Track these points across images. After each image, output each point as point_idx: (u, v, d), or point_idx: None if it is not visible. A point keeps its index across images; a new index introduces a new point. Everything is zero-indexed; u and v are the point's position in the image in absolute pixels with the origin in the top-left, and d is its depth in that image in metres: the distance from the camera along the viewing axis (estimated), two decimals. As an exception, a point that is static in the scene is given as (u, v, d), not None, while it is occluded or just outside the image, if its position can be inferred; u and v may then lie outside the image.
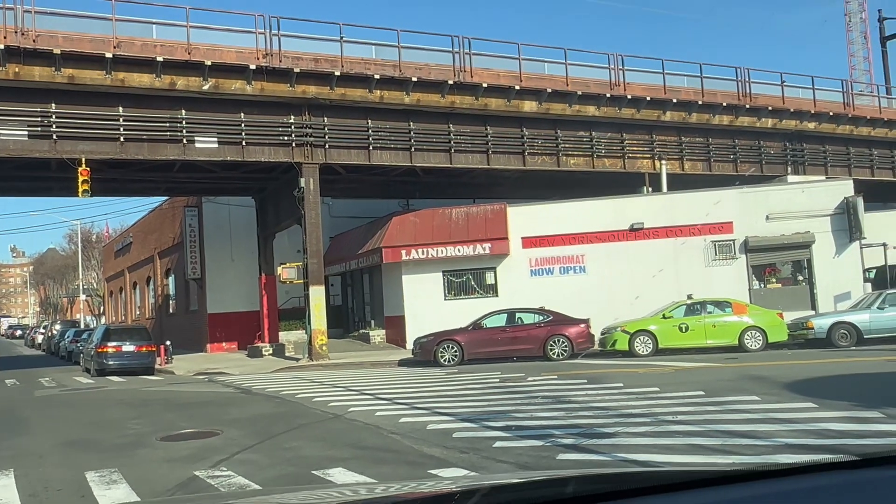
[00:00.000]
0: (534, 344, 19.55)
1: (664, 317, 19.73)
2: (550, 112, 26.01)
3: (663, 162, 28.19)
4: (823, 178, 30.51)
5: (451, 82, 23.92)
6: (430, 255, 26.01)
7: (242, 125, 22.37)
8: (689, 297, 20.61)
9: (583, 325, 19.88)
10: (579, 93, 25.96)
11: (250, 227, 30.42)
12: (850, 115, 31.73)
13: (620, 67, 26.84)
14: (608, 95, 26.48)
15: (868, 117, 32.27)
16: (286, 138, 22.94)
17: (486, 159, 25.77)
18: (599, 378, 14.33)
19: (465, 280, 26.58)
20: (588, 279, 25.71)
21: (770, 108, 29.64)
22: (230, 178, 27.31)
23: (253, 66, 21.48)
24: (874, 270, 26.87)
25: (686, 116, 28.31)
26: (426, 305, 25.87)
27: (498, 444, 8.24)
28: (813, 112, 30.65)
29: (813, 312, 23.31)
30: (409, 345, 23.70)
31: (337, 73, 22.44)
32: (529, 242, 26.24)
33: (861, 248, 25.18)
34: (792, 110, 30.18)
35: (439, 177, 27.96)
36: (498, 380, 15.15)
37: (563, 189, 28.52)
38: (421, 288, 26.29)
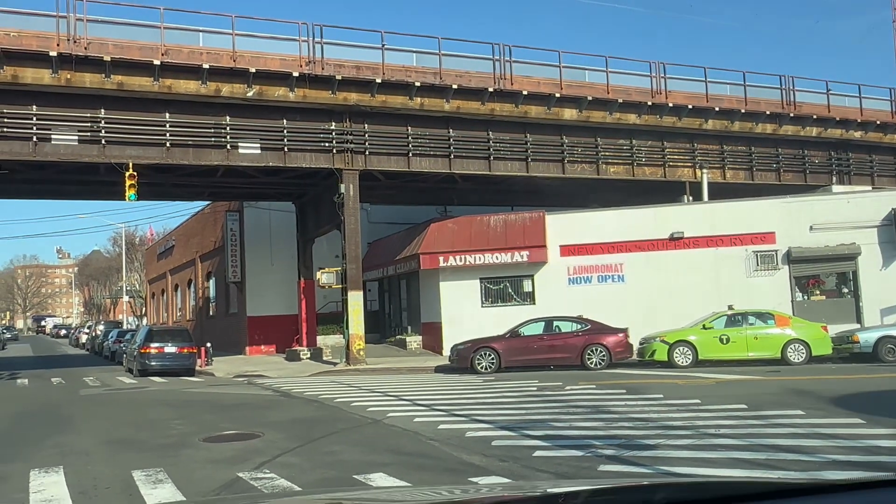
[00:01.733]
0: (571, 353, 19.44)
1: (704, 327, 19.47)
2: (591, 120, 25.89)
3: (704, 171, 27.85)
4: (870, 188, 29.87)
5: (491, 90, 23.97)
6: (467, 262, 26.04)
7: (285, 131, 22.69)
8: (730, 307, 20.32)
9: (621, 335, 19.71)
10: (620, 101, 25.80)
11: (290, 232, 30.80)
12: (898, 125, 31.01)
13: (662, 75, 26.62)
14: (649, 103, 26.27)
15: (919, 126, 31.49)
16: (327, 144, 23.20)
17: (525, 167, 25.74)
18: (638, 389, 14.20)
19: (503, 287, 26.55)
20: (626, 288, 25.49)
21: (815, 116, 29.11)
22: (271, 184, 27.69)
23: (296, 74, 21.77)
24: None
25: (728, 125, 27.94)
26: (463, 312, 25.90)
27: (538, 453, 8.22)
28: (860, 121, 30.02)
29: (858, 326, 22.81)
30: (446, 351, 23.74)
31: (378, 81, 22.64)
32: (568, 250, 26.12)
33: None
34: (837, 119, 29.60)
35: (478, 184, 27.99)
36: (535, 388, 15.10)
37: (602, 197, 28.34)
38: (458, 295, 26.33)
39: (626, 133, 27.05)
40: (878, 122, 30.49)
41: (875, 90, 31.42)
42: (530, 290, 26.35)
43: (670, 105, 26.56)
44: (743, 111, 27.76)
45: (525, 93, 24.39)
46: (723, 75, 28.40)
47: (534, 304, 25.78)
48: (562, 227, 26.12)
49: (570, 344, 19.54)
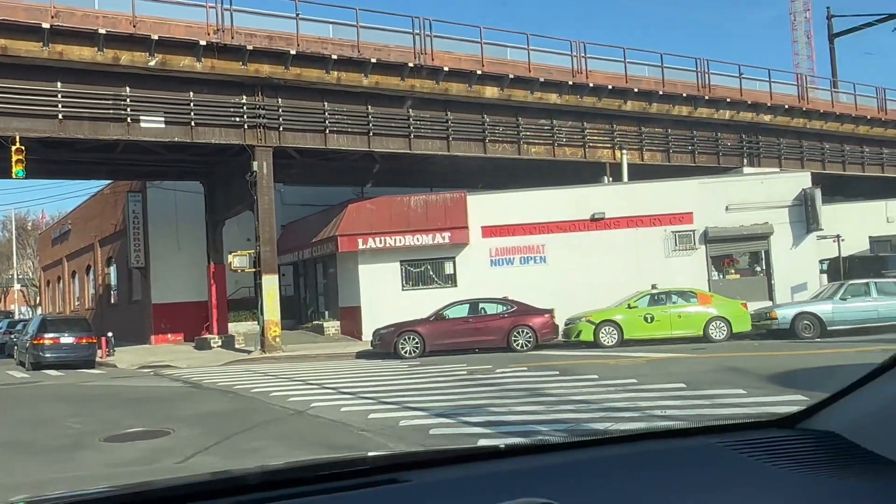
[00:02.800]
0: (497, 335, 18.99)
1: (630, 307, 19.38)
2: (512, 99, 25.44)
3: (624, 151, 27.95)
4: (777, 170, 30.70)
5: (411, 65, 23.13)
6: (387, 244, 25.22)
7: (191, 104, 21.19)
8: (654, 286, 20.32)
9: (547, 316, 19.40)
10: (541, 79, 25.45)
11: (198, 214, 29.09)
12: (804, 109, 32.00)
13: (583, 55, 26.44)
14: (570, 83, 26.04)
15: (821, 111, 32.61)
16: (238, 119, 21.83)
17: (446, 145, 25.07)
18: (571, 370, 13.81)
19: (424, 270, 25.88)
20: (548, 269, 25.27)
21: (728, 99, 29.64)
22: (177, 161, 26.01)
23: (203, 43, 20.32)
24: (827, 262, 27.09)
25: (647, 106, 28.08)
26: (383, 296, 25.08)
27: (483, 441, 7.57)
28: (769, 104, 30.81)
29: (770, 303, 23.33)
30: (366, 336, 22.98)
31: (292, 52, 21.43)
32: (490, 232, 25.67)
33: (817, 239, 25.34)
34: (749, 103, 30.26)
35: (398, 163, 27.14)
36: (465, 372, 14.51)
37: (523, 178, 28.00)
38: (378, 278, 25.48)
39: (547, 113, 26.76)
40: (787, 107, 31.38)
41: (783, 75, 32.36)
42: (452, 272, 25.79)
43: (591, 85, 26.42)
44: (661, 93, 27.94)
45: (446, 69, 23.68)
46: (642, 56, 28.56)
47: (455, 286, 25.25)
48: (484, 207, 25.63)
49: (495, 326, 19.08)
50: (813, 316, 18.97)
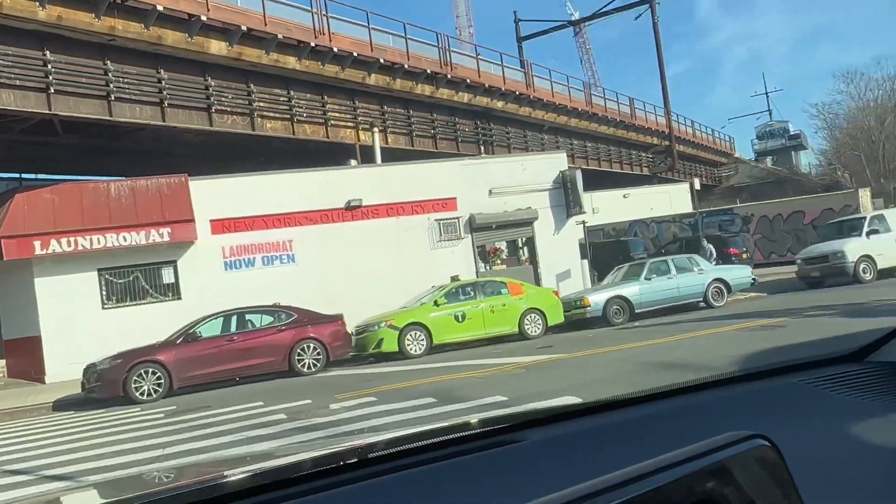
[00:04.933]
0: (276, 355, 13.99)
1: (436, 304, 15.71)
2: (243, 58, 20.29)
3: (376, 131, 24.39)
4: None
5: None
6: (80, 248, 18.32)
7: None
8: (455, 278, 16.99)
9: (338, 324, 14.95)
10: (280, 37, 20.68)
11: None
12: (531, 97, 31.55)
13: (325, 13, 22.23)
14: (312, 45, 21.66)
15: (545, 100, 32.51)
16: None
17: (160, 113, 19.05)
18: (445, 394, 9.66)
19: (133, 280, 19.38)
20: (299, 270, 20.56)
21: (468, 81, 27.73)
22: None
23: None
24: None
25: (390, 82, 24.80)
26: (76, 319, 18.19)
27: None
28: (503, 90, 29.64)
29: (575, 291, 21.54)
30: (53, 377, 16.55)
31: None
32: (221, 226, 20.16)
33: (577, 224, 24.32)
34: (486, 86, 28.71)
35: (92, 137, 20.21)
36: (283, 415, 9.52)
37: (262, 162, 22.86)
38: (66, 294, 18.41)
39: (284, 82, 22.09)
40: (518, 94, 30.56)
41: (514, 60, 31.56)
42: (172, 280, 19.68)
43: (334, 51, 22.31)
44: (406, 67, 24.90)
45: (160, 8, 17.73)
46: (387, 24, 25.25)
47: (179, 298, 19.33)
48: (213, 195, 20.02)
49: (272, 343, 14.06)
50: (622, 299, 17.23)
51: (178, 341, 13.72)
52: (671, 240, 30.11)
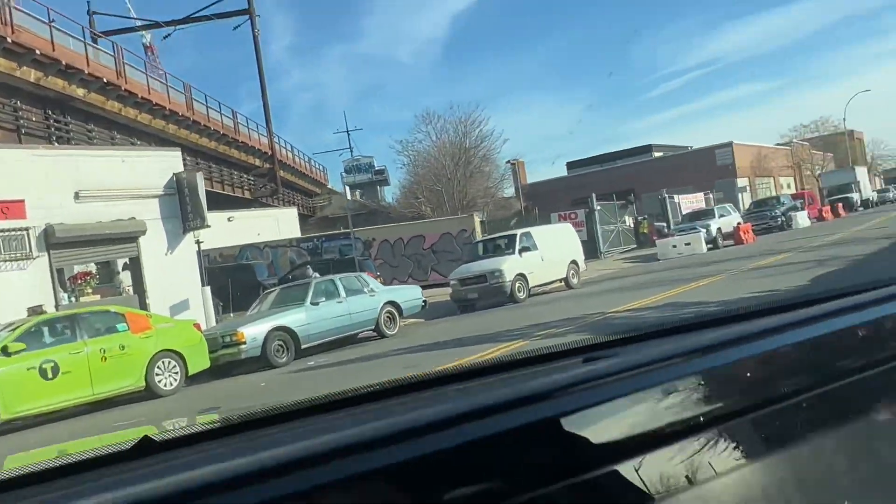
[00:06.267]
0: None
1: (5, 351, 9.59)
2: None
3: None
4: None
5: None
6: None
7: None
8: (37, 310, 10.93)
9: None
10: None
11: None
12: (122, 89, 25.41)
13: None
14: None
15: (140, 97, 26.57)
16: None
17: None
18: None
19: None
20: None
21: (39, 52, 20.76)
22: None
23: None
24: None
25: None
26: None
27: None
28: (87, 73, 23.13)
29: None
30: None
31: None
32: None
33: (196, 241, 19.35)
34: (64, 64, 21.98)
35: None
36: None
37: None
38: None
39: None
40: (106, 81, 24.23)
41: (106, 43, 25.11)
42: None
43: None
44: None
45: None
46: None
47: None
48: None
49: None
50: (285, 331, 13.06)
51: None
52: (295, 265, 26.79)
